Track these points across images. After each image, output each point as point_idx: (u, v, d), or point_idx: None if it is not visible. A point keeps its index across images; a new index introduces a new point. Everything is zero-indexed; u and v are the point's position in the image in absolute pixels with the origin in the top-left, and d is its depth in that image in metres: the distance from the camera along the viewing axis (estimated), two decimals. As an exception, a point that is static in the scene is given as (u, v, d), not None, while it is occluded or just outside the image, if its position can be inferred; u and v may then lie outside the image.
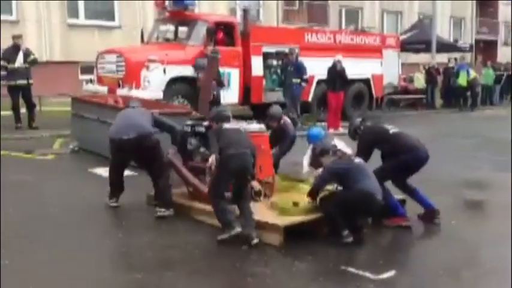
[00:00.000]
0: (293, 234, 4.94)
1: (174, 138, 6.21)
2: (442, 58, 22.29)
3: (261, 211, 5.37)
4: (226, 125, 5.27)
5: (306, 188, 6.03)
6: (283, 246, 4.88)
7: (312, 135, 6.49)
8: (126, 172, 7.37)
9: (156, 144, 5.85)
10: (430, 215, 5.75)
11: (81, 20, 17.30)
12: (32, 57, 10.85)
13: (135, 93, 10.19)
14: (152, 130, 5.94)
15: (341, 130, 12.61)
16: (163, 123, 6.25)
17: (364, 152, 5.55)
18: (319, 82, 13.64)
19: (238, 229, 4.98)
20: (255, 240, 4.93)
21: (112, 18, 18.02)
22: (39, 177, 7.30)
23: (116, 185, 6.09)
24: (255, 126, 6.00)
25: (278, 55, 13.29)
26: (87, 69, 14.55)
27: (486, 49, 34.63)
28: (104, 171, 7.56)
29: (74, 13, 17.10)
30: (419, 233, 5.61)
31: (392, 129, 5.80)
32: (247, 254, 4.85)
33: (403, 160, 5.61)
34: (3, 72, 10.76)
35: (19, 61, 10.66)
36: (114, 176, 6.09)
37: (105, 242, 5.00)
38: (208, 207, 5.54)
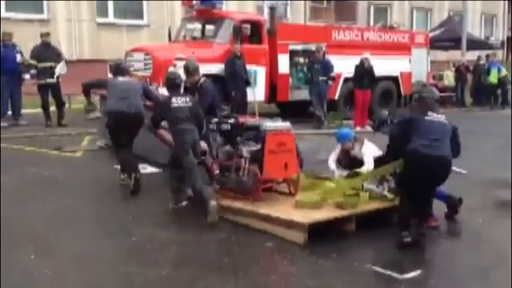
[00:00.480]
0: (318, 232, 4.92)
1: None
2: (472, 55, 21.88)
3: (285, 209, 5.37)
4: (174, 103, 5.83)
5: (332, 185, 6.03)
6: (307, 244, 4.86)
7: (342, 135, 6.52)
8: (150, 169, 7.54)
9: (142, 122, 6.68)
10: (453, 205, 5.70)
11: (110, 18, 17.54)
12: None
13: (162, 91, 10.27)
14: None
15: (368, 128, 12.48)
16: (151, 93, 7.18)
17: (395, 134, 5.32)
18: (345, 80, 13.54)
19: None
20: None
21: (141, 17, 18.23)
22: (67, 174, 7.43)
23: (129, 161, 6.74)
24: (280, 124, 5.97)
25: (305, 53, 13.22)
26: (116, 67, 14.73)
27: (519, 46, 33.83)
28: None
29: (103, 12, 17.34)
30: (445, 232, 5.53)
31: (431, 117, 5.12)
32: (271, 252, 4.86)
33: None
34: (33, 71, 10.99)
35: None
36: (123, 154, 6.77)
37: (131, 238, 5.06)
38: (233, 205, 5.58)
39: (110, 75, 7.80)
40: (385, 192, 5.69)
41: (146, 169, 7.67)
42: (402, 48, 15.17)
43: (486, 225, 5.63)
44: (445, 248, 5.12)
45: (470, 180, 7.35)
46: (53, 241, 4.94)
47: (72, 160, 8.43)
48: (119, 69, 7.18)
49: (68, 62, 11.63)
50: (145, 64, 11.27)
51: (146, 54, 11.36)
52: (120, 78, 6.98)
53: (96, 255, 4.65)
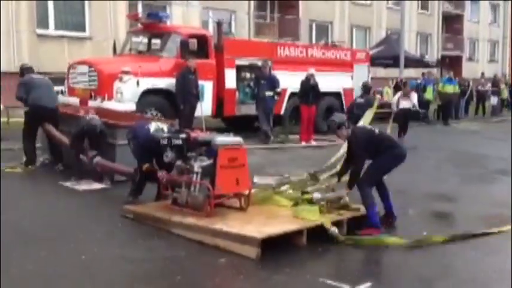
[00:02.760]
0: (269, 246, 4.96)
1: None
2: (409, 73, 22.83)
3: (238, 224, 5.38)
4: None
5: (283, 200, 6.14)
6: (260, 259, 4.88)
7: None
8: (101, 185, 7.40)
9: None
10: (389, 218, 6.11)
11: (51, 30, 17.10)
12: None
13: (107, 104, 10.12)
14: None
15: (313, 143, 12.73)
16: None
17: (363, 152, 5.83)
18: (291, 95, 13.76)
19: None
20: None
21: (83, 29, 17.88)
22: (8, 191, 7.12)
23: (33, 152, 8.37)
24: (232, 139, 6.00)
25: (251, 68, 13.38)
26: (57, 80, 14.30)
27: (452, 64, 35.57)
28: (76, 185, 7.50)
29: (43, 23, 16.90)
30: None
31: (376, 129, 6.17)
32: (224, 267, 4.85)
33: (389, 156, 5.95)
34: None
35: None
36: (30, 144, 8.32)
37: (80, 256, 4.91)
38: (185, 220, 5.54)
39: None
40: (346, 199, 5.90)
41: (92, 185, 7.51)
42: (344, 65, 15.63)
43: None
44: (393, 259, 5.26)
45: (412, 194, 7.65)
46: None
47: (12, 176, 8.10)
48: (29, 68, 8.74)
49: (7, 74, 11.22)
50: (90, 77, 11.05)
51: (91, 67, 11.15)
52: (35, 76, 8.47)
53: (44, 274, 4.48)
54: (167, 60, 11.60)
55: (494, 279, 4.76)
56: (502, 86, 25.33)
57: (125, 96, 10.50)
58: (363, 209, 5.87)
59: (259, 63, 12.94)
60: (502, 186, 8.44)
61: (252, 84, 13.37)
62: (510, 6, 42.06)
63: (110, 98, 10.47)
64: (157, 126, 6.40)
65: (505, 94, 25.38)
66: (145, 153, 6.25)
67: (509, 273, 4.66)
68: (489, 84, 24.79)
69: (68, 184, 7.56)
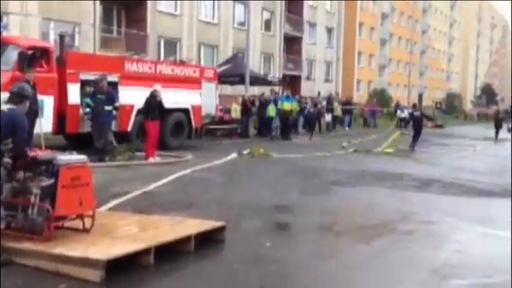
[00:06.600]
0: (116, 267, 4.83)
1: None
2: (253, 90, 23.88)
3: (81, 247, 5.16)
4: None
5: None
6: (105, 282, 4.72)
7: None
8: None
9: None
10: None
11: None
12: None
13: None
14: None
15: (157, 159, 12.61)
16: None
17: None
18: (139, 112, 13.56)
19: None
20: None
21: None
22: None
23: None
24: (75, 157, 5.74)
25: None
26: None
27: (292, 83, 37.94)
28: None
29: None
30: (236, 256, 5.81)
31: None
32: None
33: None
34: None
35: None
36: None
37: None
38: (20, 246, 5.17)
39: None
40: None
41: None
42: (193, 82, 15.82)
43: (273, 247, 6.12)
44: (236, 271, 5.39)
45: (255, 206, 7.97)
46: None
47: None
48: None
49: None
50: None
51: None
52: None
53: None
54: (3, 73, 10.74)
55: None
56: (336, 104, 27.71)
57: (-49, 111, 9.49)
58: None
59: (109, 78, 12.52)
60: (335, 196, 9.21)
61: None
62: (342, 30, 46.24)
63: None
64: None
65: (338, 111, 27.79)
66: None
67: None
68: (324, 102, 26.97)
69: None
